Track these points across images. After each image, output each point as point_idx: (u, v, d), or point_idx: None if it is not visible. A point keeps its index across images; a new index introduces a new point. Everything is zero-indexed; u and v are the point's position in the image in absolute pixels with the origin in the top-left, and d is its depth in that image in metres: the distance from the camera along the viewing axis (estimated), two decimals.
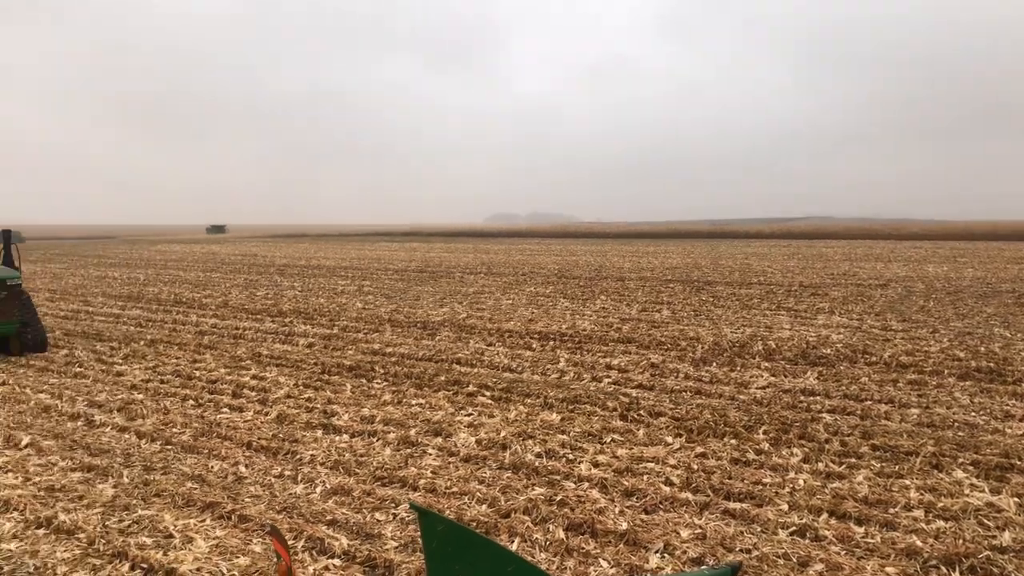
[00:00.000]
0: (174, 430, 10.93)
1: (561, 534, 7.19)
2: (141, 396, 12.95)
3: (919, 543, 6.94)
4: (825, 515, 7.61)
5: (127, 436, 10.74)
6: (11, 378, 14.64)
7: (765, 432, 10.36)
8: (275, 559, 6.78)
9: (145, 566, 6.69)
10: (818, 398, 12.21)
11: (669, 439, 10.16)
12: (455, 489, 8.42)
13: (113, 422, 11.38)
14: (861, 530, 7.26)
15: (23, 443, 10.36)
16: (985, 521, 7.45)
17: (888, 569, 6.53)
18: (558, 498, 8.02)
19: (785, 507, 7.81)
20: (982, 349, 15.96)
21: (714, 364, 14.92)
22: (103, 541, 7.19)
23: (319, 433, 10.69)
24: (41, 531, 7.52)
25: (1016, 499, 7.96)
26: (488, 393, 12.73)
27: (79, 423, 11.45)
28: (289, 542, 7.19)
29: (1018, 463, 9.03)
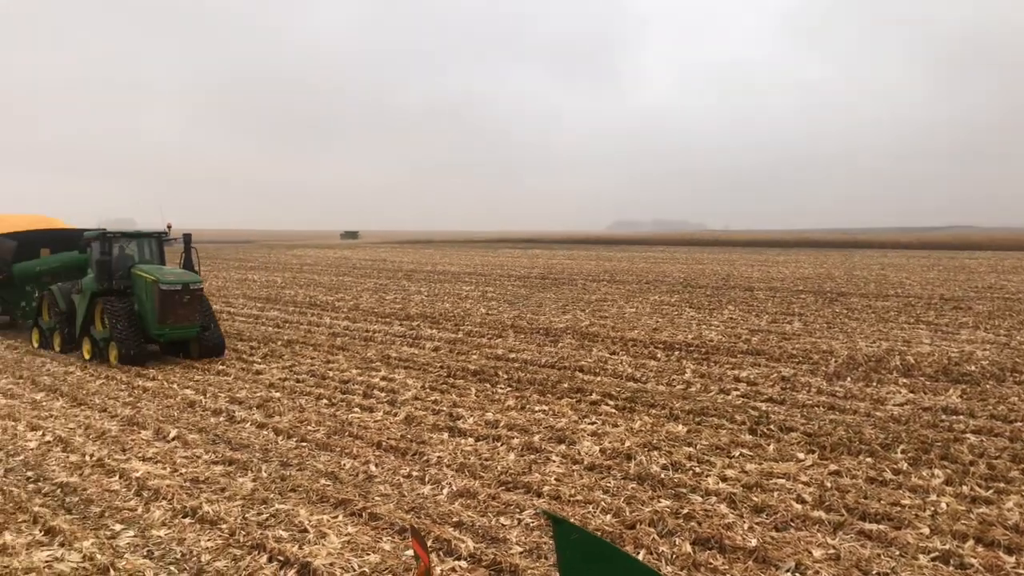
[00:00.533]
0: (309, 428, 11.35)
1: (688, 548, 7.07)
2: (278, 394, 13.52)
3: None
4: (971, 542, 7.20)
5: (265, 432, 11.23)
6: (160, 374, 15.57)
7: (903, 451, 9.90)
8: (414, 560, 6.92)
9: (281, 558, 6.98)
10: (961, 417, 11.56)
11: (801, 455, 9.84)
12: (579, 497, 8.42)
13: (252, 418, 11.92)
14: (1012, 560, 6.84)
15: (171, 436, 10.99)
16: None
17: None
18: (685, 511, 7.90)
19: (926, 531, 7.44)
20: None
21: (848, 379, 14.36)
22: (243, 532, 7.54)
23: (445, 435, 10.89)
24: (187, 520, 7.96)
25: None
26: (612, 402, 12.66)
27: (221, 418, 12.06)
28: (412, 544, 7.34)
29: None
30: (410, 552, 7.05)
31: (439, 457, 9.86)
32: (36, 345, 19.22)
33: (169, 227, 18.54)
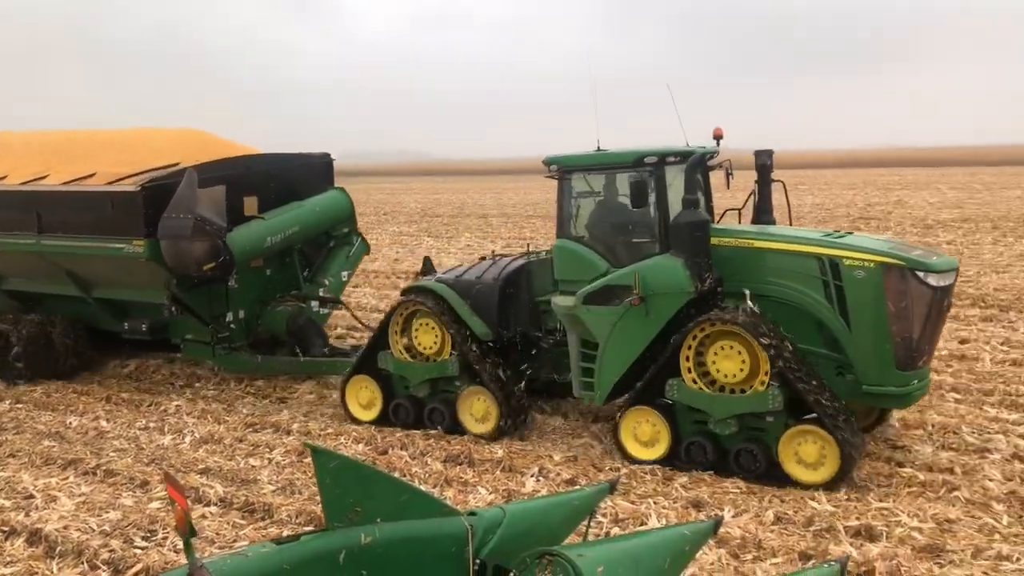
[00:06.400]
0: (23, 387, 10.36)
1: (439, 466, 7.35)
2: None
3: None
4: None
5: None
6: None
7: None
8: (171, 505, 6.60)
9: (7, 529, 6.39)
10: None
11: None
12: (331, 430, 8.47)
13: None
14: None
15: None
16: None
17: None
18: (433, 433, 8.15)
19: None
20: None
21: None
22: None
23: (181, 383, 10.40)
24: None
25: None
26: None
27: None
28: (167, 490, 7.03)
29: None
30: (155, 503, 6.76)
31: (177, 407, 9.42)
32: (371, 418, 8.68)
33: (719, 139, 8.21)
